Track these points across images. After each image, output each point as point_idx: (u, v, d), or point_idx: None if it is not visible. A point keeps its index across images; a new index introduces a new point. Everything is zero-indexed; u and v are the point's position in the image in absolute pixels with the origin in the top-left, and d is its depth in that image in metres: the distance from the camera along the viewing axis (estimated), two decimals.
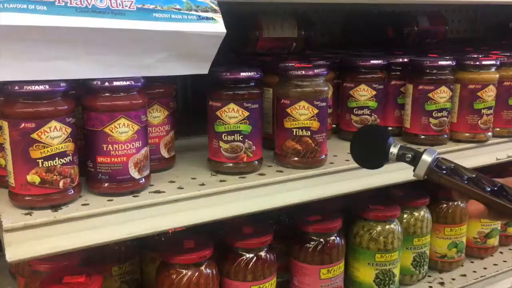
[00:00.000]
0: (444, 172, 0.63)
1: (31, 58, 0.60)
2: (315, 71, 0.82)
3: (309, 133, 0.82)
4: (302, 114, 0.82)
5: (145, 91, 0.73)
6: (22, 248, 0.61)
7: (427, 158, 0.63)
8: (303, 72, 0.81)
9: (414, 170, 0.65)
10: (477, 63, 1.00)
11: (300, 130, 0.82)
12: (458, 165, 0.64)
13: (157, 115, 0.79)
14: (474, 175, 0.62)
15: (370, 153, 0.70)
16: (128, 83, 0.67)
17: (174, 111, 0.84)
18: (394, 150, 0.66)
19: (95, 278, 0.74)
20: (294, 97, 0.82)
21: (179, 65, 0.71)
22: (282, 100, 0.82)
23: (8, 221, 0.61)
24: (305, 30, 1.17)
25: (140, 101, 0.69)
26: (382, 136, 0.69)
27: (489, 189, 0.60)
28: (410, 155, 0.65)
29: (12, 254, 0.61)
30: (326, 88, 0.84)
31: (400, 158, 0.66)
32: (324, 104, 0.83)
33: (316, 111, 0.82)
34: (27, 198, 0.64)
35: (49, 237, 0.63)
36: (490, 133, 1.03)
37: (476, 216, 0.62)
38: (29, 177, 0.63)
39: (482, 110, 1.01)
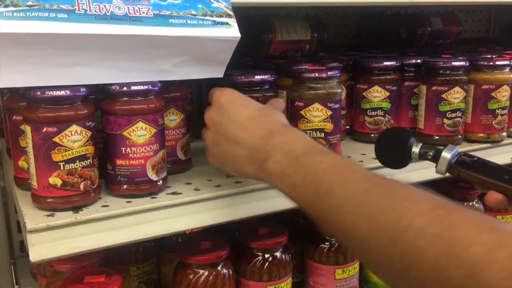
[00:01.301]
0: (464, 166, 0.66)
1: (53, 64, 0.61)
2: (329, 73, 0.83)
3: (323, 134, 0.83)
4: (316, 116, 0.83)
5: (161, 95, 0.74)
6: (45, 248, 0.63)
7: (446, 154, 0.67)
8: (317, 75, 0.82)
9: (436, 167, 0.68)
10: (491, 63, 1.00)
11: (314, 131, 0.83)
12: (480, 158, 0.67)
13: (173, 118, 0.81)
14: (494, 166, 0.65)
15: (394, 154, 0.74)
16: (145, 87, 0.69)
17: (189, 114, 0.86)
18: (416, 149, 0.70)
19: (115, 278, 0.75)
20: (308, 99, 0.83)
21: (194, 70, 0.72)
22: (296, 102, 0.84)
23: (32, 223, 0.63)
24: (318, 33, 1.18)
25: (157, 104, 0.71)
26: (404, 137, 0.72)
27: (507, 178, 0.63)
28: (431, 153, 0.69)
29: (36, 254, 0.63)
30: (340, 90, 0.85)
31: (422, 156, 0.70)
32: (337, 105, 0.84)
33: (329, 113, 0.83)
34: (49, 200, 0.66)
35: (70, 238, 0.64)
36: (504, 133, 1.03)
37: (496, 206, 0.65)
38: (51, 180, 0.65)
39: (497, 110, 1.01)
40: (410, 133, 0.75)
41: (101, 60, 0.64)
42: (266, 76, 0.80)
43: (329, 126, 0.84)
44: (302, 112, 0.83)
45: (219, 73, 0.75)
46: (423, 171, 0.89)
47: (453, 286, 0.38)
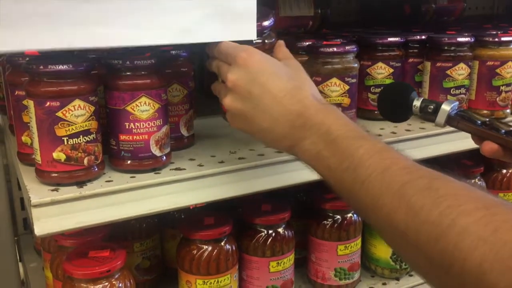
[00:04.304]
0: (463, 118, 0.68)
1: (65, 22, 0.58)
2: (346, 47, 0.83)
3: (340, 109, 0.83)
4: (334, 90, 0.83)
5: (165, 70, 0.74)
6: (50, 222, 0.63)
7: (446, 107, 0.69)
8: (335, 49, 0.82)
9: (435, 120, 0.70)
10: (496, 39, 0.99)
11: None
12: (474, 113, 0.70)
13: (176, 94, 0.80)
14: (487, 120, 0.67)
15: (395, 107, 0.76)
16: (148, 62, 0.68)
17: (192, 90, 0.85)
18: (417, 103, 0.72)
19: (119, 252, 0.76)
20: (326, 74, 0.83)
21: (220, 29, 0.67)
22: (314, 78, 0.83)
23: (36, 197, 0.63)
24: (321, 9, 1.17)
25: (161, 79, 0.70)
26: (406, 91, 0.74)
27: (503, 131, 0.65)
28: (431, 106, 0.70)
29: (40, 229, 0.63)
30: (356, 64, 0.86)
31: (422, 110, 0.71)
32: (354, 80, 0.85)
33: (347, 87, 0.83)
34: (54, 174, 0.66)
35: (75, 212, 0.65)
36: (508, 110, 1.03)
37: (491, 155, 0.65)
38: (55, 155, 0.65)
39: (501, 87, 1.00)
40: (412, 87, 0.75)
41: (116, 17, 0.60)
42: (267, 23, 0.75)
43: (346, 101, 0.84)
44: (320, 87, 0.83)
45: (250, 33, 0.69)
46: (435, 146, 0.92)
47: None
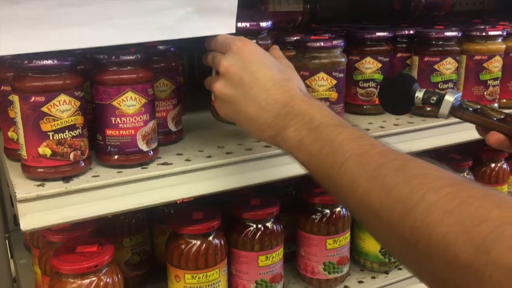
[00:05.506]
0: (467, 109, 0.68)
1: (50, 25, 0.59)
2: (334, 42, 0.84)
3: (327, 103, 0.84)
4: (321, 85, 0.84)
5: (151, 65, 0.74)
6: (36, 217, 0.63)
7: (450, 98, 0.68)
8: (322, 44, 0.83)
9: (438, 112, 0.69)
10: (484, 33, 0.99)
11: (320, 100, 0.83)
12: (482, 105, 0.68)
13: (164, 89, 0.80)
14: (492, 109, 0.67)
15: (397, 99, 0.75)
16: (134, 57, 0.68)
17: (180, 86, 0.85)
18: (419, 94, 0.71)
19: (107, 247, 0.76)
20: (313, 68, 0.83)
21: (201, 25, 0.69)
22: (301, 72, 0.83)
23: (22, 192, 0.63)
24: (310, 4, 1.17)
25: (147, 74, 0.70)
26: (408, 82, 0.73)
27: (510, 121, 0.65)
28: (434, 98, 0.70)
29: (26, 224, 0.63)
30: (343, 59, 0.86)
31: (425, 101, 0.71)
32: (341, 75, 0.85)
33: (334, 82, 0.84)
34: (39, 170, 0.66)
35: (61, 207, 0.65)
36: (496, 104, 1.03)
37: (498, 146, 0.65)
38: (41, 150, 0.65)
39: (488, 81, 1.01)
40: (414, 78, 0.75)
41: (100, 18, 0.62)
42: (264, 24, 0.76)
43: (333, 95, 0.84)
44: (307, 81, 0.83)
45: (230, 27, 0.70)
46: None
47: (461, 262, 0.38)
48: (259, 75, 0.63)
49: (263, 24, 0.74)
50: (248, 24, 0.73)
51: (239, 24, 0.72)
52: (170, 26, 0.67)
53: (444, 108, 0.68)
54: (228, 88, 0.65)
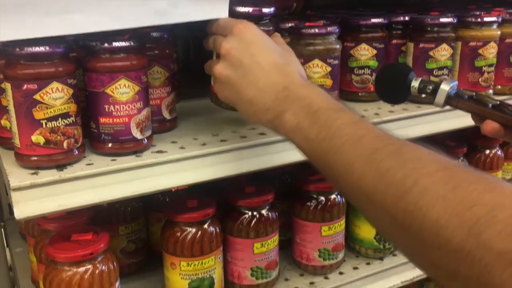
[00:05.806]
0: (463, 98, 0.68)
1: (42, 12, 0.59)
2: (328, 29, 0.83)
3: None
4: (316, 72, 0.83)
5: (145, 52, 0.73)
6: (30, 206, 0.63)
7: (445, 87, 0.68)
8: (316, 30, 0.82)
9: (434, 100, 0.69)
10: (479, 20, 0.99)
11: None
12: (478, 93, 0.68)
13: (158, 76, 0.80)
14: (487, 97, 0.67)
15: (393, 88, 0.75)
16: (127, 43, 0.67)
17: (175, 73, 0.85)
18: (415, 83, 0.71)
19: (102, 235, 0.76)
20: (308, 55, 0.83)
21: (194, 9, 0.68)
22: None
23: (16, 180, 0.63)
24: None
25: (140, 61, 0.70)
26: (404, 71, 0.73)
27: (505, 110, 0.64)
28: (430, 87, 0.69)
29: (20, 212, 0.63)
30: (338, 46, 0.85)
31: (421, 90, 0.70)
32: (336, 62, 0.85)
33: (329, 69, 0.83)
34: (33, 158, 0.65)
35: (55, 196, 0.65)
36: (491, 91, 1.04)
37: (492, 135, 0.65)
38: (34, 138, 0.64)
39: (483, 67, 1.01)
40: (410, 67, 0.75)
41: (93, 4, 0.61)
42: (266, 10, 0.75)
43: (328, 82, 0.84)
44: None
45: (223, 11, 0.70)
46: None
47: (453, 245, 0.39)
48: (259, 58, 0.63)
49: (265, 10, 0.74)
50: (250, 9, 0.72)
51: (242, 9, 0.72)
52: (162, 11, 0.66)
53: (440, 98, 0.68)
54: (228, 70, 0.65)
